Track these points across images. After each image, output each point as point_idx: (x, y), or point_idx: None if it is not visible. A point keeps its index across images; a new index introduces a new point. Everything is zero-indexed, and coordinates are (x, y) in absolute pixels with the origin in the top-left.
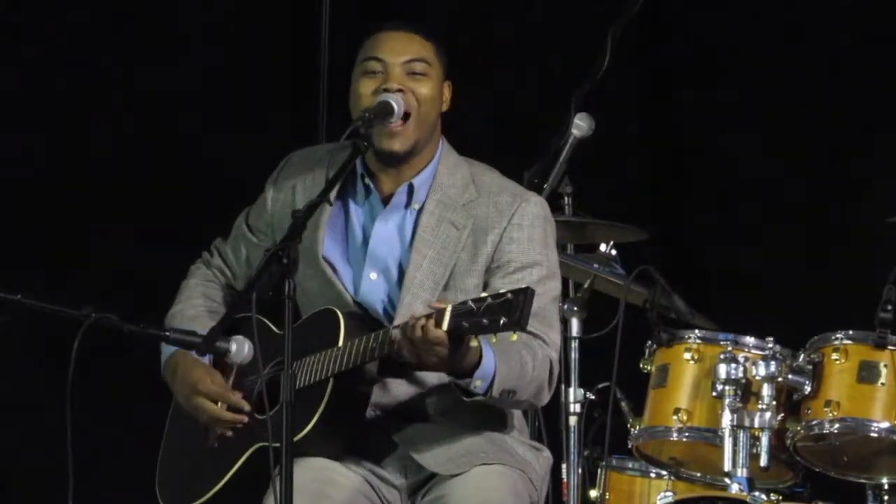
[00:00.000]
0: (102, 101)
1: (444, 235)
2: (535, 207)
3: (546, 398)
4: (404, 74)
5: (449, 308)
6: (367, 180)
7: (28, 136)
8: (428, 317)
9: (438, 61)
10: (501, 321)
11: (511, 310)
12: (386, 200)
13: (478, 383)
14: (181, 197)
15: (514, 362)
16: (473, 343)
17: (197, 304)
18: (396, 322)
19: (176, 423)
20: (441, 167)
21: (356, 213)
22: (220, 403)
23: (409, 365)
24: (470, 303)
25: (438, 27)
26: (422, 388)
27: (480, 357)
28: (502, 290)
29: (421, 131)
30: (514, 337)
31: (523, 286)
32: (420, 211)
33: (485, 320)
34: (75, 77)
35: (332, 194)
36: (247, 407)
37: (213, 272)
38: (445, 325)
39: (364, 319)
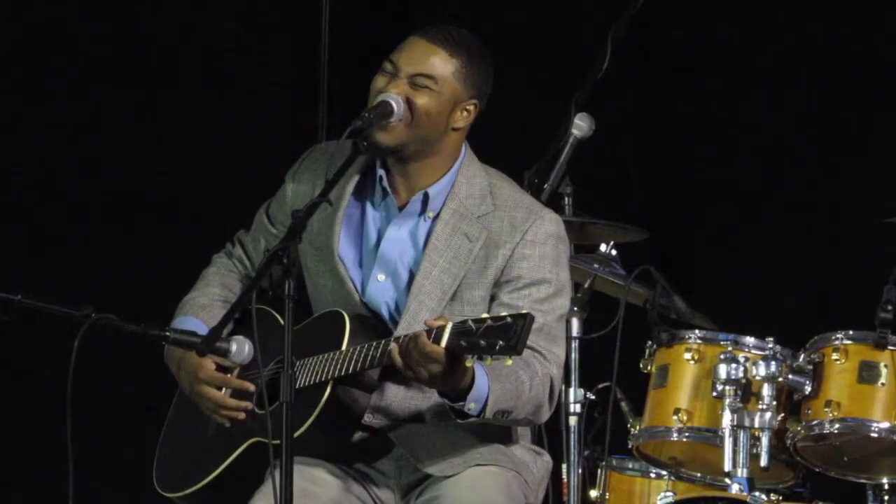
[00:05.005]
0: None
1: (456, 246)
2: (549, 225)
3: (546, 415)
4: (407, 84)
5: (449, 325)
6: (385, 183)
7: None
8: (427, 333)
9: (457, 80)
10: (498, 345)
11: (509, 334)
12: (402, 206)
13: (471, 406)
14: (181, 197)
15: (509, 383)
16: (468, 363)
17: (212, 292)
18: (400, 330)
19: (179, 408)
20: (460, 177)
21: (372, 214)
22: (223, 390)
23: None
24: (470, 322)
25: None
26: (420, 390)
27: (473, 379)
28: (503, 313)
29: (414, 136)
30: (510, 362)
31: (524, 311)
32: (435, 219)
33: (482, 342)
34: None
35: (347, 192)
36: (252, 388)
37: (233, 262)
38: (444, 342)
39: (371, 324)
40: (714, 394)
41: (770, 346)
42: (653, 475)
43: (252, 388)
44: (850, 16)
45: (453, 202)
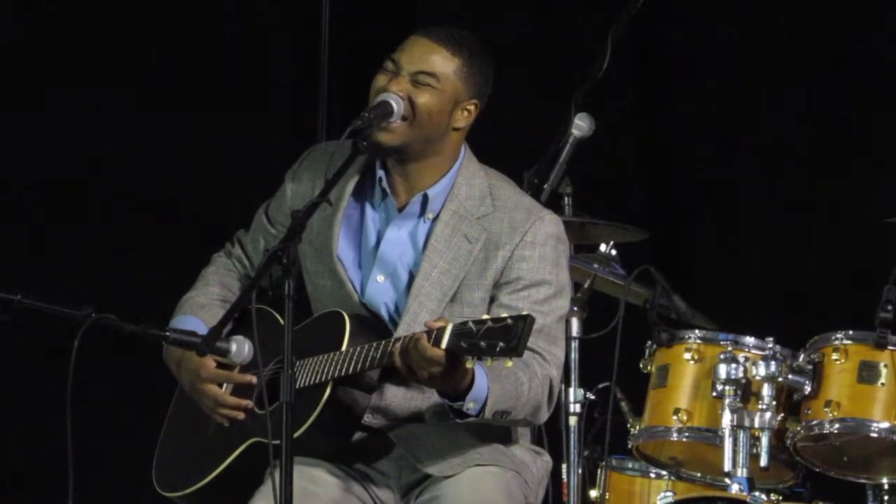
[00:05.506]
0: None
1: (456, 247)
2: (549, 226)
3: (544, 417)
4: (409, 82)
5: (449, 327)
6: (384, 184)
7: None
8: (428, 334)
9: (458, 79)
10: (499, 346)
11: (509, 336)
12: (401, 207)
13: (470, 405)
14: (181, 197)
15: (509, 384)
16: (468, 365)
17: (211, 291)
18: (400, 331)
19: (179, 407)
20: (460, 178)
21: (372, 215)
22: (224, 387)
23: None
24: (470, 324)
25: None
26: (420, 390)
27: (473, 379)
28: (504, 315)
29: (415, 135)
30: (510, 363)
31: (525, 312)
32: (434, 220)
33: (482, 343)
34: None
35: (347, 192)
36: (254, 380)
37: (233, 262)
38: (444, 344)
39: (371, 325)
40: (714, 394)
41: (770, 346)
42: (653, 475)
43: (254, 380)
44: (850, 16)
45: (453, 203)
